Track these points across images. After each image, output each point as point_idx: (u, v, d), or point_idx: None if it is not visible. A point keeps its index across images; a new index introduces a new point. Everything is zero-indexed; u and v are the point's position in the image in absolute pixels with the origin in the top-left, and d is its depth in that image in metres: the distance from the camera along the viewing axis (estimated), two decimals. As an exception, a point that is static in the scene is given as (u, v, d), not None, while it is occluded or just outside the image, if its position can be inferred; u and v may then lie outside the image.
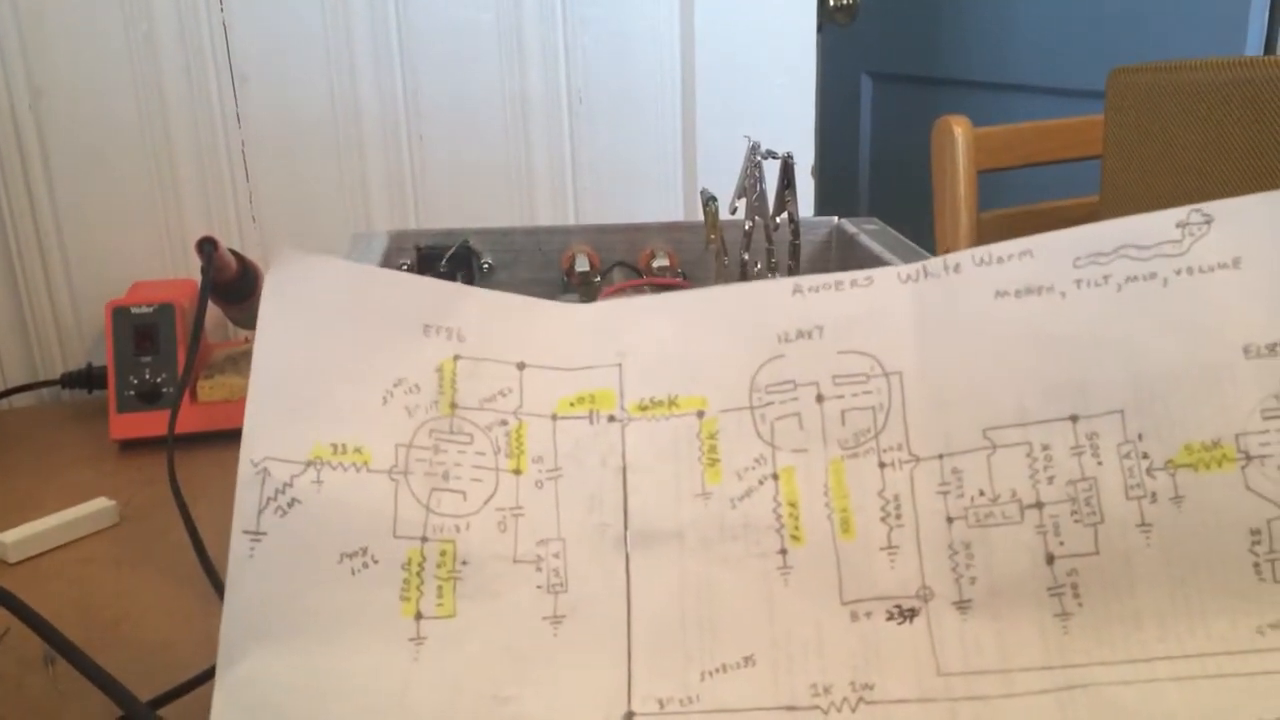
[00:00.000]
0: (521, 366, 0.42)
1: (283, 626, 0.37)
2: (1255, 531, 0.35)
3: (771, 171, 0.61)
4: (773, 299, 0.41)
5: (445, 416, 0.40)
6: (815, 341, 0.40)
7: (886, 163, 2.16)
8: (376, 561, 0.38)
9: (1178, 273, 0.37)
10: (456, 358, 0.41)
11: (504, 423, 0.41)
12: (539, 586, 0.39)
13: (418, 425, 0.40)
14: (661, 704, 0.36)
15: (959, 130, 1.20)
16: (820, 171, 1.05)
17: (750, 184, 0.59)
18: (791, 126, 1.00)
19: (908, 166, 1.88)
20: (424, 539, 0.38)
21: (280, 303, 0.40)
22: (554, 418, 0.41)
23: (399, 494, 0.39)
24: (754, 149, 0.59)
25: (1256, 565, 0.35)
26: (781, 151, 0.59)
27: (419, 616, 0.38)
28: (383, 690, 0.36)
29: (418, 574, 0.38)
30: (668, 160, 0.99)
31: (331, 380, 0.40)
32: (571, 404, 0.41)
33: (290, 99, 0.89)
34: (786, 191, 0.60)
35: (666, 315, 0.42)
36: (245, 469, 0.38)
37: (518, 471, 0.40)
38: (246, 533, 0.37)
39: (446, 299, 0.42)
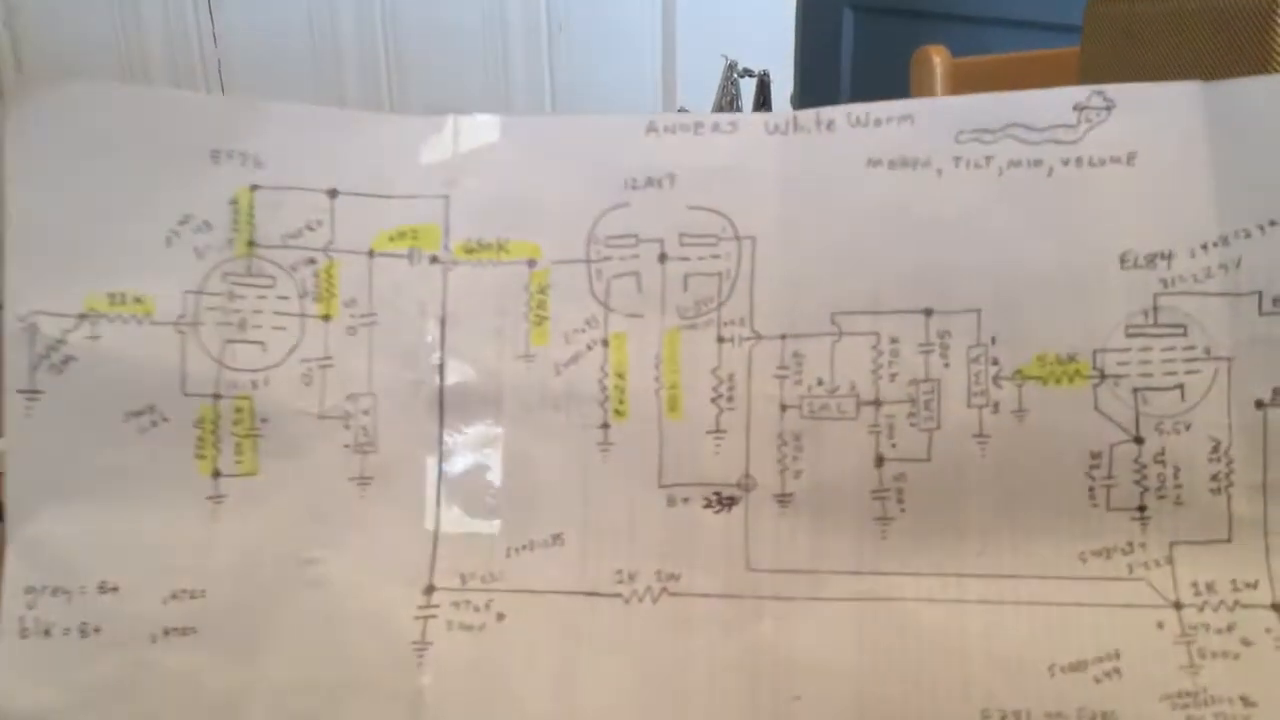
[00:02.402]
0: (333, 194, 0.37)
1: (70, 486, 0.35)
2: (1096, 455, 0.33)
3: (749, 93, 0.61)
4: (624, 136, 0.37)
5: (242, 257, 0.37)
6: (665, 191, 0.37)
7: (867, 95, 2.15)
8: (166, 420, 0.36)
9: (1065, 163, 0.35)
10: (254, 187, 0.37)
11: (312, 261, 0.37)
12: (346, 445, 0.36)
13: (209, 268, 0.36)
14: (464, 579, 0.35)
15: (938, 60, 1.20)
16: (800, 103, 1.05)
17: (727, 102, 0.60)
18: (771, 51, 1.00)
19: (888, 99, 1.88)
20: (217, 396, 0.36)
21: (31, 137, 0.36)
22: (370, 254, 0.37)
23: (186, 348, 0.36)
24: (731, 67, 0.60)
25: (1091, 490, 0.33)
26: (758, 70, 0.60)
27: (217, 474, 0.36)
28: (181, 548, 0.35)
29: (212, 432, 0.36)
30: (646, 82, 0.99)
31: (103, 221, 0.36)
32: (391, 239, 0.37)
33: (267, 19, 0.88)
34: (763, 109, 0.60)
35: (507, 139, 0.38)
36: (11, 325, 0.35)
37: (327, 317, 0.37)
38: (21, 392, 0.35)
39: (239, 118, 0.38)
